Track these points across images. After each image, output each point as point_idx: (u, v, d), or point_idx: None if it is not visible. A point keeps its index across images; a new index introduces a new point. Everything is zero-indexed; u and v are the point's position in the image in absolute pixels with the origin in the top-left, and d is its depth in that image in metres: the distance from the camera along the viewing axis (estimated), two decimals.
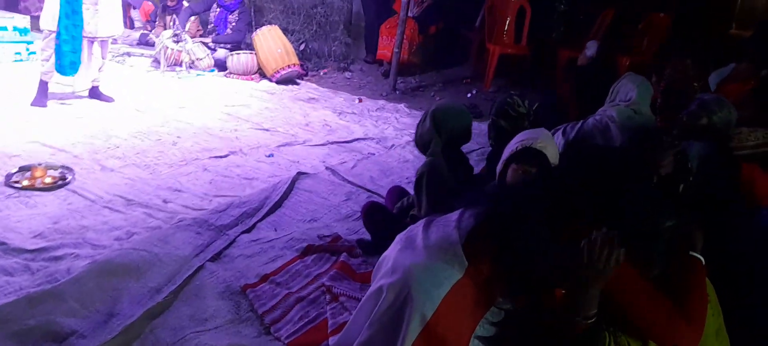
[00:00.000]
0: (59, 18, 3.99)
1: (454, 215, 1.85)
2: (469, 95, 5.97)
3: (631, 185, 2.04)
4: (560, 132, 3.23)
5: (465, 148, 4.28)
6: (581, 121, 3.25)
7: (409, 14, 5.92)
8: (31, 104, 4.24)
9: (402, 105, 5.47)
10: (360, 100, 5.55)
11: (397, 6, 6.18)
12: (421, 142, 2.64)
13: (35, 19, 6.21)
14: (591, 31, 5.77)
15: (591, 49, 4.80)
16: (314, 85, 5.99)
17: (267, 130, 4.39)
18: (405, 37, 5.86)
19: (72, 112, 4.23)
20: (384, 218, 2.68)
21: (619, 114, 3.11)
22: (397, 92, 5.91)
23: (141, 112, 4.41)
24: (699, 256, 1.66)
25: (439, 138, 2.54)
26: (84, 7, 4.05)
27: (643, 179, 2.33)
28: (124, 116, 4.28)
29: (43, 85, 4.28)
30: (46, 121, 3.99)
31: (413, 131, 2.77)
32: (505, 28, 6.23)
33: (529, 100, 2.86)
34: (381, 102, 5.54)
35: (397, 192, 3.01)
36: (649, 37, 5.71)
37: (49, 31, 4.07)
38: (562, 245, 1.63)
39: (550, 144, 2.21)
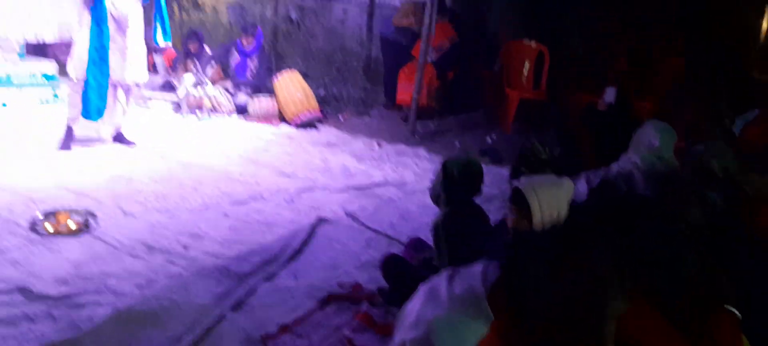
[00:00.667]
0: (87, 65, 4.10)
1: (478, 267, 1.83)
2: (489, 140, 5.96)
3: (657, 230, 2.00)
4: (583, 179, 3.20)
5: (487, 193, 4.27)
6: (604, 168, 3.23)
7: (428, 60, 5.98)
8: (58, 149, 4.32)
9: (421, 149, 5.48)
10: (379, 145, 5.57)
11: (415, 52, 6.25)
12: (434, 194, 2.68)
13: (62, 65, 6.39)
14: (608, 77, 5.78)
15: (609, 95, 4.79)
16: (334, 130, 6.04)
17: (287, 175, 4.41)
18: (424, 82, 5.90)
19: (96, 157, 4.29)
20: (404, 270, 2.65)
21: (643, 161, 3.08)
22: (417, 136, 5.93)
23: (163, 157, 4.46)
24: (734, 310, 1.62)
25: (450, 190, 2.55)
26: (111, 54, 4.17)
27: (671, 226, 2.30)
28: (146, 161, 4.34)
29: (70, 130, 4.38)
30: (71, 166, 4.06)
31: (433, 176, 2.78)
32: (524, 73, 6.26)
33: (551, 146, 2.85)
34: (400, 146, 5.55)
35: (417, 244, 2.99)
36: (663, 81, 5.68)
37: (77, 77, 4.18)
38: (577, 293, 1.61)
39: (551, 189, 2.16)
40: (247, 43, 6.26)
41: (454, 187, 2.55)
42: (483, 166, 4.91)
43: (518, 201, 2.11)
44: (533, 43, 6.21)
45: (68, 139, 4.37)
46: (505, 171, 4.85)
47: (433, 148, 5.60)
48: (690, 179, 2.86)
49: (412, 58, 6.41)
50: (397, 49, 6.73)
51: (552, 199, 2.11)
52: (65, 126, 4.38)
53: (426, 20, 5.66)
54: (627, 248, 2.15)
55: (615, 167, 3.14)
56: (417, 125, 6.01)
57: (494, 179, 4.71)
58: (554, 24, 6.12)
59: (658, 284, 1.70)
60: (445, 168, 2.58)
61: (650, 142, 3.14)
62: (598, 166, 3.28)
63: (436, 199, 2.66)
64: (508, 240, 2.23)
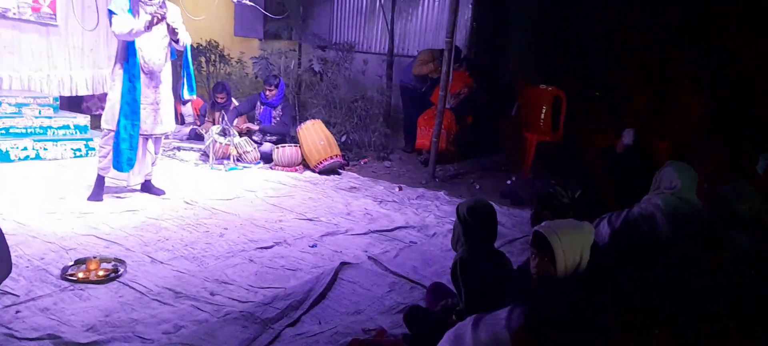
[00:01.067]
0: (119, 117, 4.28)
1: (503, 313, 1.84)
2: (508, 182, 5.99)
3: (682, 272, 2.00)
4: (605, 221, 3.20)
5: (508, 236, 4.27)
6: (626, 209, 3.22)
7: (446, 106, 6.08)
8: (88, 199, 4.46)
9: (442, 193, 5.52)
10: (400, 189, 5.64)
11: (434, 98, 6.37)
12: (453, 239, 2.70)
13: (95, 118, 6.64)
14: (625, 118, 5.80)
15: (628, 136, 4.80)
16: (355, 175, 6.13)
17: (310, 220, 4.47)
18: (443, 127, 6.00)
19: (125, 206, 4.42)
20: (426, 320, 2.66)
21: (665, 202, 3.07)
22: (437, 180, 5.98)
23: (190, 205, 4.57)
24: None
25: (465, 234, 2.58)
26: (142, 107, 4.34)
27: (697, 268, 2.29)
28: (174, 209, 4.45)
29: (100, 180, 4.53)
30: (101, 214, 4.18)
31: (454, 218, 2.80)
32: (542, 116, 6.32)
33: (571, 189, 2.87)
34: (421, 190, 5.60)
35: (439, 289, 3.00)
36: (682, 121, 5.67)
37: (109, 129, 4.35)
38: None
39: (574, 233, 2.16)
40: (270, 94, 6.44)
41: (469, 231, 2.56)
42: (504, 208, 4.94)
43: (541, 245, 2.12)
44: (550, 88, 6.28)
45: (99, 190, 4.52)
46: (525, 213, 4.86)
47: (454, 191, 5.64)
48: (715, 221, 2.85)
49: (431, 104, 6.53)
50: (415, 97, 6.87)
51: (574, 243, 2.11)
52: (96, 176, 4.53)
53: (443, 68, 5.79)
54: (652, 290, 2.14)
55: (636, 209, 3.13)
56: (437, 169, 6.08)
57: (515, 222, 4.73)
58: (570, 68, 6.19)
59: (684, 326, 1.70)
60: (458, 212, 2.61)
61: (671, 183, 3.13)
62: (619, 207, 3.28)
63: (454, 244, 2.68)
64: (532, 285, 2.23)
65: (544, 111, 6.32)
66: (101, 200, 4.47)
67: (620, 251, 3.06)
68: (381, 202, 5.12)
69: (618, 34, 6.03)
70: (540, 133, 6.19)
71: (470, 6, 7.07)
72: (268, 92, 6.46)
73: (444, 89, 5.83)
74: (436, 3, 7.51)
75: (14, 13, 6.14)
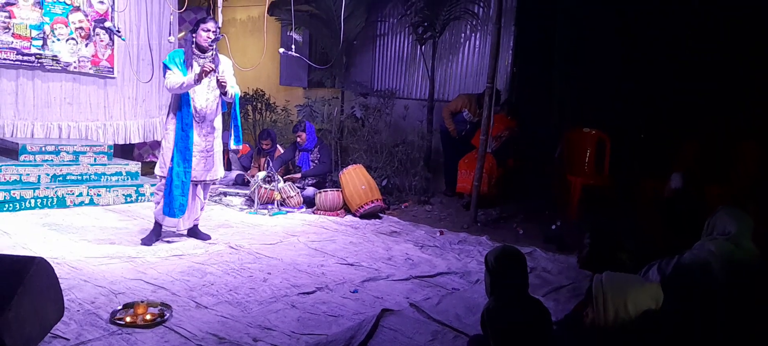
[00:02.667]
0: (172, 165, 4.44)
1: None
2: (553, 227, 5.87)
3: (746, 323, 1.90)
4: (655, 268, 3.09)
5: (554, 283, 4.16)
6: (677, 256, 3.11)
7: (488, 149, 6.06)
8: (142, 242, 4.61)
9: (484, 238, 5.45)
10: (441, 233, 5.60)
11: (475, 141, 6.36)
12: (485, 287, 2.65)
13: (145, 165, 6.90)
14: (675, 161, 5.65)
15: (676, 181, 4.66)
16: (396, 219, 6.13)
17: (352, 265, 4.48)
18: (484, 170, 5.96)
19: (172, 250, 4.53)
20: None
21: (719, 248, 2.95)
22: (479, 224, 5.92)
23: (234, 250, 4.65)
24: None
25: (494, 282, 2.53)
26: (193, 155, 4.50)
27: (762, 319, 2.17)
28: (219, 253, 4.53)
29: (157, 226, 4.68)
30: (149, 259, 4.29)
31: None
32: (586, 159, 6.21)
33: (623, 237, 2.80)
34: (463, 235, 5.55)
35: (481, 340, 2.93)
36: (740, 167, 5.48)
37: (161, 176, 4.52)
38: None
39: (638, 293, 2.10)
40: (301, 140, 6.61)
41: (497, 279, 2.51)
42: (550, 254, 4.83)
43: (599, 300, 2.07)
44: (593, 131, 6.20)
45: (154, 234, 4.68)
46: (572, 259, 4.74)
47: (497, 236, 5.56)
48: None
49: (472, 148, 6.52)
50: (456, 140, 6.88)
51: (639, 303, 2.07)
52: (154, 223, 4.70)
53: (484, 112, 5.79)
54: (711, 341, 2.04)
55: (688, 255, 3.01)
56: (479, 213, 6.02)
57: (561, 268, 4.61)
58: (615, 110, 6.11)
59: None
60: (485, 261, 2.57)
61: (726, 229, 3.01)
62: (668, 253, 3.17)
63: (487, 292, 2.63)
64: (577, 333, 2.17)
65: (588, 154, 6.22)
66: (152, 244, 4.60)
67: (672, 299, 2.95)
68: (422, 247, 5.09)
69: (666, 76, 5.94)
70: (585, 177, 6.08)
71: (510, 51, 7.10)
72: (298, 139, 6.64)
73: (485, 133, 5.83)
74: (477, 49, 7.58)
75: (75, 67, 6.53)
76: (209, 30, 4.44)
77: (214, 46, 4.51)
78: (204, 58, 4.46)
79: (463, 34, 7.69)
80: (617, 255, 2.71)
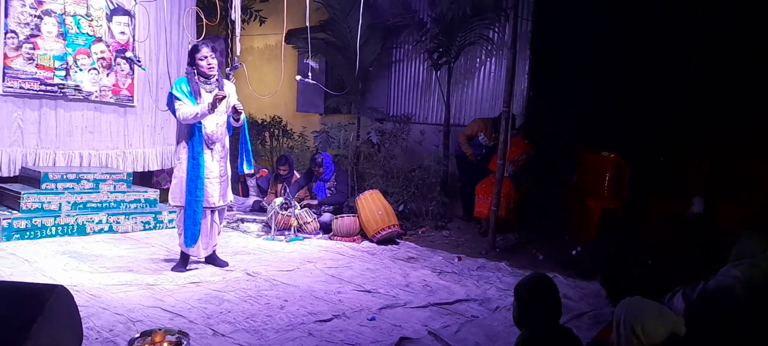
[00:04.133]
0: (185, 194, 4.47)
1: None
2: (573, 252, 5.78)
3: None
4: (679, 294, 3.01)
5: (575, 309, 4.08)
6: (702, 282, 3.03)
7: (505, 174, 6.02)
8: (172, 269, 4.67)
9: (503, 263, 5.38)
10: (459, 259, 5.54)
11: (492, 166, 6.33)
12: (514, 317, 2.58)
13: (164, 192, 6.96)
14: (682, 179, 5.57)
15: (698, 205, 4.59)
16: (413, 244, 6.09)
17: (369, 291, 4.44)
18: (501, 194, 5.92)
19: (189, 278, 4.53)
20: None
21: (746, 274, 2.88)
22: (497, 250, 5.86)
23: (252, 277, 4.65)
24: None
25: (526, 314, 2.47)
26: (208, 182, 4.53)
27: None
28: (236, 280, 4.53)
29: (184, 256, 4.72)
30: (167, 286, 4.30)
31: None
32: (606, 183, 6.14)
33: (643, 259, 2.75)
34: (481, 260, 5.49)
35: None
36: (754, 186, 5.37)
37: (176, 206, 4.55)
38: None
39: (664, 322, 2.06)
40: (318, 172, 6.64)
41: (529, 311, 2.46)
42: (570, 280, 4.75)
43: (619, 326, 2.03)
44: (612, 155, 6.13)
45: (183, 264, 4.71)
46: (592, 285, 4.66)
47: (516, 262, 5.49)
48: None
49: (489, 172, 6.48)
50: (473, 165, 6.85)
51: (656, 331, 2.03)
52: (180, 252, 4.75)
53: (501, 136, 5.77)
54: None
55: (714, 281, 2.94)
56: (497, 238, 5.96)
57: (582, 294, 4.53)
58: (632, 133, 6.06)
59: None
60: (516, 292, 2.51)
61: (753, 254, 2.94)
62: (689, 279, 3.10)
63: (517, 323, 2.58)
64: None
65: (607, 177, 6.15)
66: (183, 272, 4.62)
67: (698, 325, 2.87)
68: (440, 273, 5.04)
69: (670, 90, 5.90)
70: (603, 201, 6.00)
71: (526, 76, 7.10)
72: (315, 172, 6.66)
73: (502, 157, 5.80)
74: (492, 74, 7.59)
75: (96, 97, 6.65)
76: (205, 57, 4.42)
77: (218, 72, 4.53)
78: (210, 84, 4.48)
79: (478, 59, 7.71)
80: (634, 271, 2.65)
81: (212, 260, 4.88)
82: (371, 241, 6.06)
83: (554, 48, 6.84)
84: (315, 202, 6.61)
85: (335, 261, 5.28)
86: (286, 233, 6.12)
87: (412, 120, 7.97)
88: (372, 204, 6.12)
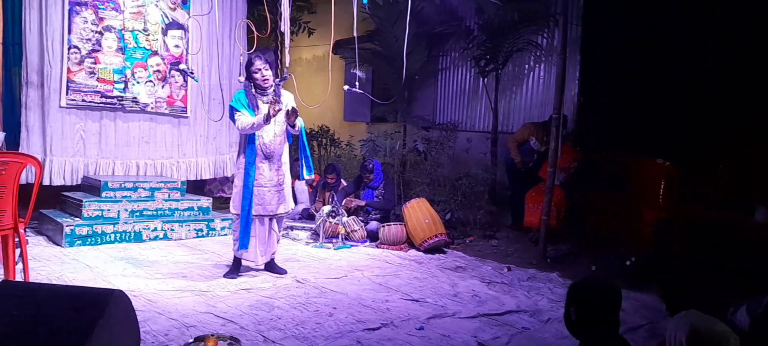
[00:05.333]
0: (241, 201, 4.59)
1: None
2: (627, 263, 5.60)
3: None
4: (743, 308, 2.88)
5: (630, 323, 3.95)
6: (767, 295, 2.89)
7: (555, 182, 5.90)
8: (224, 276, 4.78)
9: (554, 274, 5.27)
10: (509, 269, 5.45)
11: (542, 173, 6.21)
12: (567, 323, 2.42)
13: (215, 200, 7.13)
14: (753, 193, 5.32)
15: (761, 214, 4.38)
16: (461, 254, 6.03)
17: (417, 300, 4.42)
18: (552, 204, 5.80)
19: (241, 284, 4.62)
20: None
21: None
22: (548, 260, 5.73)
23: (301, 284, 4.70)
24: None
25: (584, 320, 2.33)
26: (266, 190, 4.65)
27: None
28: (286, 287, 4.59)
29: (237, 261, 4.83)
30: (219, 293, 4.39)
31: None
32: (660, 192, 5.94)
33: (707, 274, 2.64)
34: (531, 271, 5.39)
35: None
36: None
37: (235, 213, 4.67)
38: None
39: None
40: (368, 179, 6.66)
41: (587, 317, 2.31)
42: (623, 291, 4.59)
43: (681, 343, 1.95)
44: (666, 163, 5.93)
45: (235, 270, 4.82)
46: (647, 297, 4.50)
47: (567, 272, 5.36)
48: None
49: (539, 180, 6.36)
50: (522, 173, 6.74)
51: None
52: (233, 258, 4.86)
53: (552, 143, 5.66)
54: None
55: None
56: (548, 248, 5.84)
57: (637, 306, 4.38)
58: (689, 140, 5.85)
59: None
60: (572, 294, 2.35)
61: None
62: (752, 292, 2.95)
63: (572, 330, 2.43)
64: None
65: (662, 186, 5.95)
66: (236, 278, 4.73)
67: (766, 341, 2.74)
68: (489, 283, 4.98)
69: (743, 104, 5.66)
70: (657, 210, 5.80)
71: (576, 82, 6.96)
72: (365, 178, 6.69)
73: (552, 164, 5.69)
74: (541, 80, 7.48)
75: (152, 108, 6.90)
76: (259, 69, 4.53)
77: (275, 82, 4.62)
78: (266, 95, 4.59)
79: (526, 66, 7.61)
80: (694, 284, 2.54)
81: (271, 267, 4.97)
82: (418, 250, 6.04)
83: (605, 52, 6.68)
84: (362, 202, 6.65)
85: (383, 269, 5.28)
86: (334, 240, 6.17)
87: (458, 128, 7.93)
88: (419, 213, 6.10)
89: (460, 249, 6.24)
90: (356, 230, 6.28)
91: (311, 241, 6.36)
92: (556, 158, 5.71)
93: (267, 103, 4.53)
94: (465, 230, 6.78)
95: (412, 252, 6.01)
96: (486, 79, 7.61)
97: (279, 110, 4.47)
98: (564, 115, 6.13)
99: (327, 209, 6.33)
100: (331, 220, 6.22)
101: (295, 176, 5.35)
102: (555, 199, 5.92)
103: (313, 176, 5.08)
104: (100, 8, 6.48)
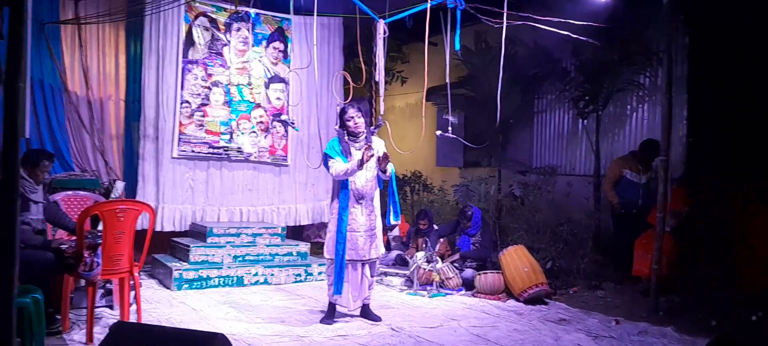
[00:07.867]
0: (335, 247, 4.66)
1: None
2: (753, 318, 5.05)
3: None
4: None
5: None
6: None
7: (666, 228, 5.49)
8: (320, 322, 4.83)
9: (669, 329, 4.84)
10: (617, 322, 5.09)
11: (651, 219, 5.81)
12: None
13: (313, 245, 7.29)
14: None
15: None
16: (564, 305, 5.72)
17: None
18: (663, 251, 5.38)
19: (337, 330, 4.63)
20: None
21: None
22: (661, 313, 5.29)
23: (396, 332, 4.63)
24: None
25: None
26: (358, 235, 4.70)
27: None
28: (381, 335, 4.54)
29: (331, 307, 4.89)
30: (316, 339, 4.42)
31: None
32: None
33: None
34: (643, 325, 4.99)
35: None
36: None
37: (329, 258, 4.75)
38: None
39: None
40: (465, 225, 6.53)
41: None
42: None
43: None
44: None
45: (330, 315, 4.87)
46: None
47: (683, 327, 4.92)
48: None
49: (648, 226, 5.95)
50: (630, 218, 6.35)
51: None
52: (328, 303, 4.93)
53: (660, 188, 5.31)
54: None
55: None
56: (660, 300, 5.40)
57: None
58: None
59: None
60: None
61: None
62: None
63: None
64: None
65: None
66: (331, 324, 4.77)
67: None
68: (596, 337, 4.65)
69: None
70: None
71: (684, 122, 6.52)
72: (462, 224, 6.57)
73: (662, 209, 5.31)
74: (645, 121, 7.10)
75: (255, 157, 7.26)
76: (352, 117, 4.72)
77: (368, 130, 4.75)
78: (359, 142, 4.74)
79: (629, 106, 7.27)
80: None
81: (366, 313, 4.97)
82: (518, 300, 5.79)
83: (715, 91, 6.22)
84: (456, 256, 6.51)
85: (480, 320, 5.10)
86: (429, 288, 6.07)
87: (557, 172, 7.65)
88: (517, 260, 5.88)
89: (563, 300, 5.92)
90: (451, 278, 6.16)
91: (405, 288, 6.30)
92: (665, 203, 5.33)
93: (359, 149, 4.68)
94: (568, 279, 6.43)
95: (511, 302, 5.78)
96: (586, 121, 7.33)
97: (372, 156, 4.57)
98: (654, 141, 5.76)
99: (421, 255, 6.27)
100: (425, 266, 6.14)
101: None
102: (665, 246, 5.50)
103: (399, 222, 5.10)
104: (209, 65, 6.97)
